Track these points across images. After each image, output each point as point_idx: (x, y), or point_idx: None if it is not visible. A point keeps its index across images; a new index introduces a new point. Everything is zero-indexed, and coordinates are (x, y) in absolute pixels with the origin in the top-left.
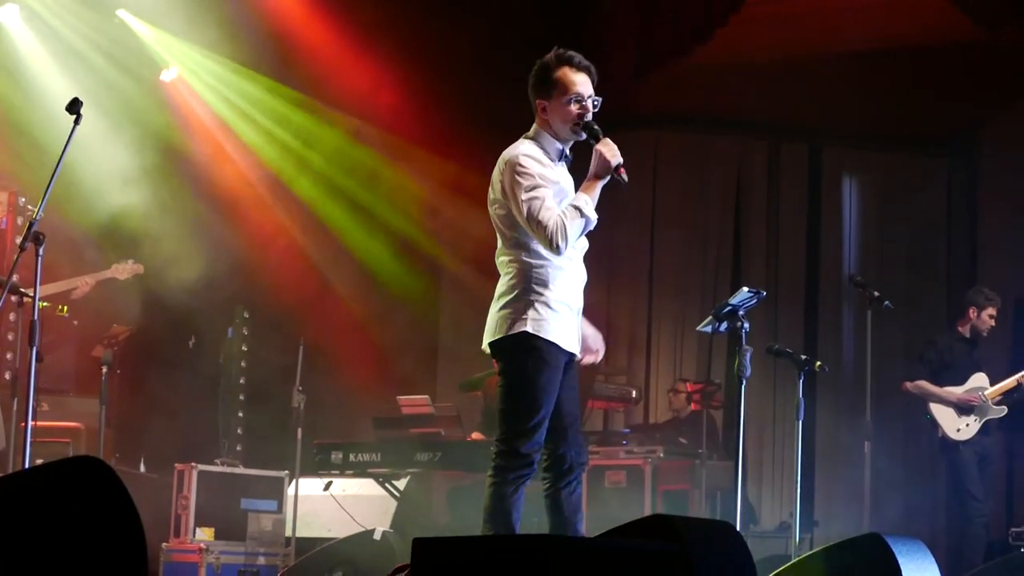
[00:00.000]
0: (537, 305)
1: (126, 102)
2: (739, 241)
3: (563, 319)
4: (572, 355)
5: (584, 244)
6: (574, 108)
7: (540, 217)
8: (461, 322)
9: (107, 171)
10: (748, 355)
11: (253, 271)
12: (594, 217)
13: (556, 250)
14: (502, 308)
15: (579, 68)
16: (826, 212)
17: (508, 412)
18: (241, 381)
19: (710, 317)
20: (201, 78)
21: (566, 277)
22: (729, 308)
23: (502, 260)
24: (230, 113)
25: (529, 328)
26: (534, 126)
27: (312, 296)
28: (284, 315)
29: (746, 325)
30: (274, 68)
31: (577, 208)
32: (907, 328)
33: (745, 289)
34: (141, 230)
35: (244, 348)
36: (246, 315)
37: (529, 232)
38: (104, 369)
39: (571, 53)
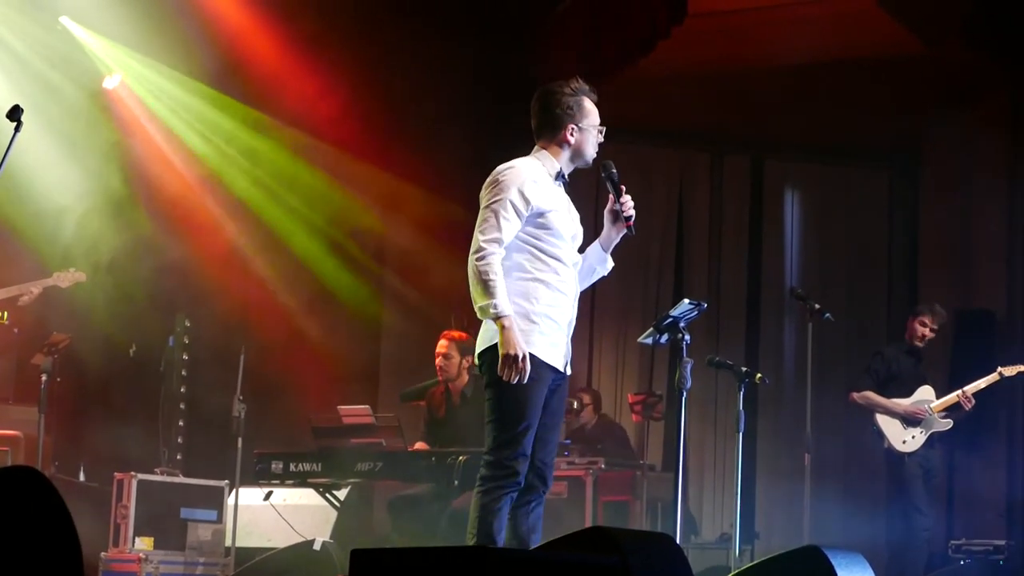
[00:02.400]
0: (518, 317)
1: (67, 109)
2: (681, 253)
3: (546, 333)
4: (558, 372)
5: (577, 259)
6: (598, 136)
7: (487, 236)
8: (403, 333)
9: (49, 178)
10: (689, 367)
11: (195, 279)
12: (483, 317)
13: (473, 257)
14: (487, 321)
15: (594, 100)
16: (768, 224)
17: (492, 424)
18: (182, 390)
19: (651, 329)
20: (144, 85)
21: (552, 292)
22: (670, 320)
23: None
24: (173, 121)
25: (498, 338)
26: (537, 147)
27: (254, 306)
28: (225, 324)
29: (687, 337)
30: (219, 78)
31: (490, 302)
32: (848, 341)
33: (686, 301)
34: (82, 237)
35: (185, 357)
36: (187, 324)
37: (477, 225)
38: (44, 377)
39: (591, 87)
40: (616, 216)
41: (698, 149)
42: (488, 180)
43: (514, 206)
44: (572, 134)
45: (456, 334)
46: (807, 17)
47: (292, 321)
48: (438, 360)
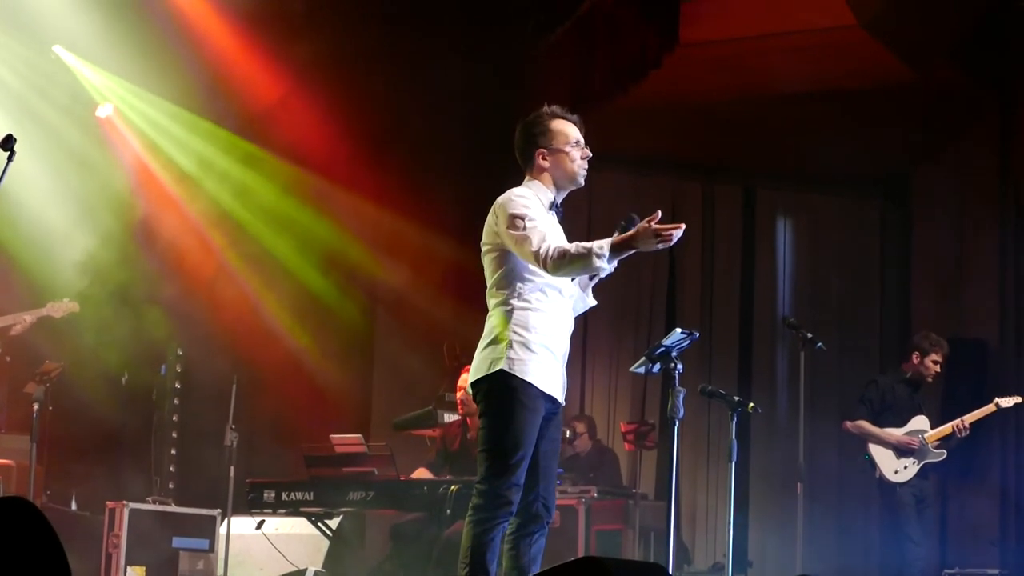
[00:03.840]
0: (516, 346)
1: (60, 138)
2: (673, 282)
3: (543, 362)
4: (554, 402)
5: (573, 290)
6: (576, 152)
7: (528, 234)
8: (396, 362)
9: (41, 207)
10: (681, 396)
11: (188, 308)
12: (604, 266)
13: (543, 264)
14: (483, 349)
15: (569, 120)
16: (760, 253)
17: (485, 453)
18: (174, 418)
19: (643, 358)
20: (138, 115)
21: (549, 321)
22: (662, 349)
23: (489, 304)
24: (167, 149)
25: (505, 367)
26: (526, 179)
27: (247, 335)
28: (218, 353)
29: (679, 366)
30: (212, 107)
31: (590, 249)
32: (840, 370)
33: (678, 330)
34: (76, 267)
35: (177, 385)
36: (180, 352)
37: (515, 250)
38: (36, 406)
39: (560, 108)
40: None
41: (689, 178)
42: (495, 208)
43: (531, 215)
44: (544, 158)
45: None
46: (798, 46)
47: (285, 351)
48: (460, 394)
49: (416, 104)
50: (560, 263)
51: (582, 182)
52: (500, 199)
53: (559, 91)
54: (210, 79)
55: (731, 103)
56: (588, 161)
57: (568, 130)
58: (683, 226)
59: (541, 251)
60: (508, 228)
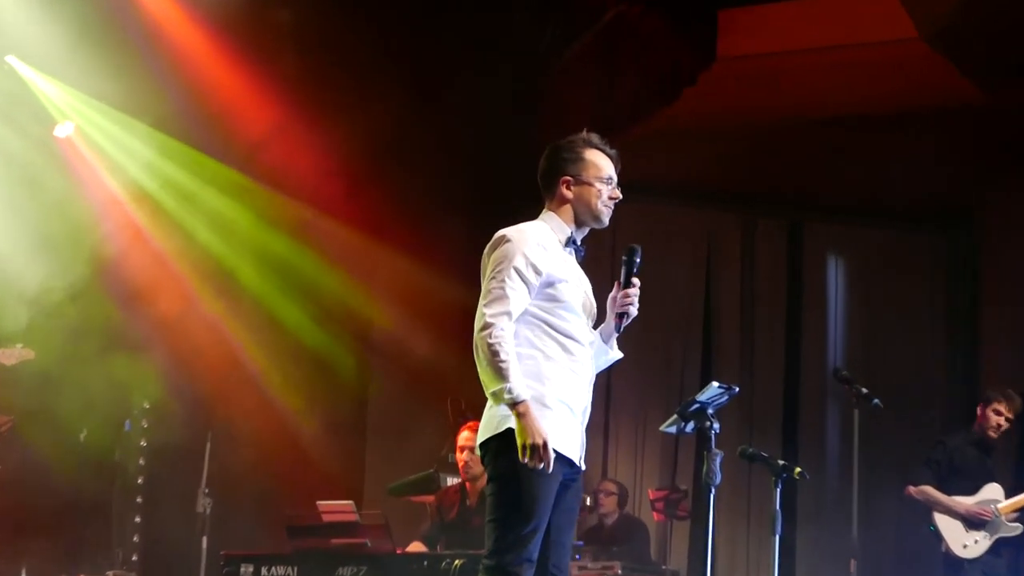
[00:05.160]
0: (529, 401)
1: (12, 159)
2: (709, 328)
3: (560, 419)
4: (573, 466)
5: (592, 337)
6: (606, 190)
7: (499, 296)
8: (393, 418)
9: None
10: (718, 460)
11: (156, 354)
12: (493, 403)
13: (477, 335)
14: (492, 406)
15: (606, 153)
16: (808, 296)
17: (494, 523)
18: (139, 481)
19: (675, 416)
20: (102, 135)
21: (566, 373)
22: (697, 406)
23: None
24: (135, 174)
25: (515, 425)
26: (544, 210)
27: (224, 385)
28: (191, 406)
29: (716, 425)
30: (189, 129)
31: (506, 379)
32: (900, 430)
33: (715, 384)
34: (30, 306)
35: (143, 443)
36: (146, 405)
37: (479, 309)
38: None
39: (600, 138)
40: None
41: (728, 210)
42: (489, 246)
43: (521, 274)
44: (568, 187)
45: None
46: (849, 62)
47: (266, 404)
48: (461, 455)
49: (419, 129)
50: (482, 353)
51: (606, 222)
52: (508, 233)
53: (579, 113)
54: (187, 97)
55: (775, 125)
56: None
57: (602, 163)
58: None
59: (488, 324)
60: (492, 271)
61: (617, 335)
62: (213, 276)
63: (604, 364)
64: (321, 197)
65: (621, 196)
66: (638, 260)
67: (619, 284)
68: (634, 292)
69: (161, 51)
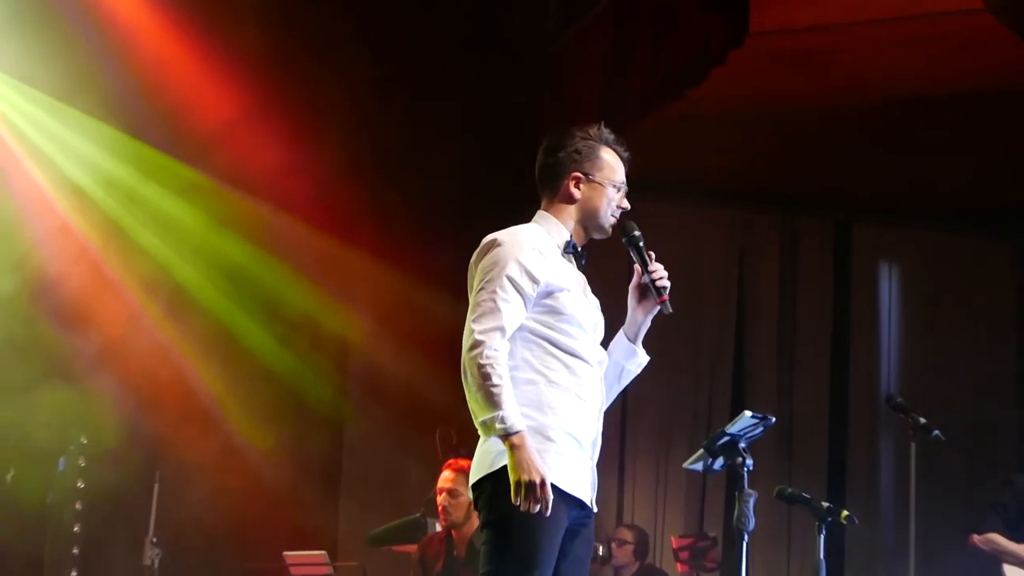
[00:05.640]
0: (528, 433)
1: None
2: (741, 348)
3: (566, 454)
4: (582, 508)
5: (601, 356)
6: (616, 197)
7: (490, 309)
8: (373, 453)
9: None
10: (752, 501)
11: (96, 381)
12: (483, 435)
13: (466, 354)
14: (486, 440)
15: (621, 156)
16: (857, 310)
17: (491, 575)
18: (75, 529)
19: (701, 451)
20: (29, 124)
21: (572, 399)
22: (727, 439)
23: None
24: (69, 170)
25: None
26: (539, 211)
27: (174, 417)
28: (136, 441)
29: (749, 462)
30: (133, 117)
31: (498, 406)
32: (964, 467)
33: (748, 413)
34: None
35: (80, 484)
36: (84, 440)
37: (467, 325)
38: None
39: (616, 137)
40: (644, 291)
41: (763, 210)
42: (477, 252)
43: (515, 284)
44: (578, 185)
45: (464, 463)
46: (903, 37)
47: (224, 438)
48: (441, 498)
49: (401, 119)
50: (471, 376)
51: (609, 233)
52: (499, 237)
53: (591, 95)
54: (131, 80)
55: (817, 111)
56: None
57: (617, 167)
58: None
59: (477, 342)
60: (480, 282)
61: (665, 314)
62: (161, 289)
63: (620, 385)
64: (291, 199)
65: (629, 207)
66: (638, 233)
67: (639, 268)
68: (659, 266)
69: (100, 27)
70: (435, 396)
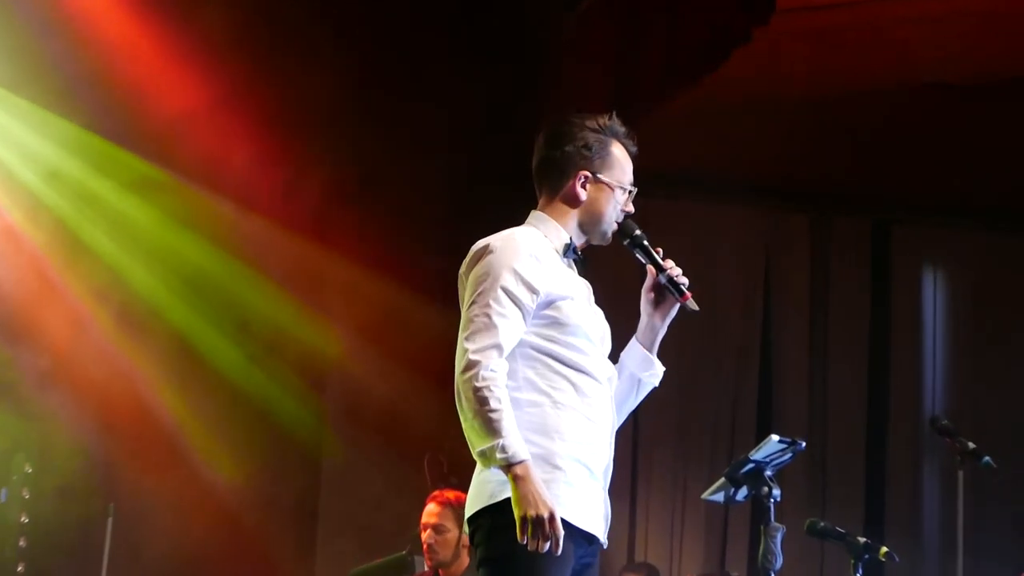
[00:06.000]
0: (535, 461)
1: None
2: (768, 360)
3: (574, 483)
4: (592, 542)
5: (611, 372)
6: (622, 200)
7: (485, 324)
8: (353, 484)
9: None
10: (779, 536)
11: (41, 404)
12: (482, 465)
13: (460, 376)
14: (483, 469)
15: (630, 154)
16: (898, 319)
17: None
18: (19, 569)
19: (722, 480)
20: None
21: (581, 422)
22: (751, 466)
23: None
24: (10, 162)
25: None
26: (536, 211)
27: (130, 443)
28: (86, 471)
29: (776, 492)
30: (83, 104)
31: (498, 433)
32: (1017, 495)
33: (775, 438)
34: None
35: (24, 519)
36: (28, 469)
37: (461, 329)
38: None
39: (627, 131)
40: (660, 292)
41: (792, 207)
42: (467, 260)
43: (511, 295)
44: (584, 185)
45: (451, 495)
46: (950, 13)
47: (186, 467)
48: (426, 534)
49: (383, 106)
50: (466, 401)
51: (609, 240)
52: (492, 243)
53: (602, 79)
54: (81, 65)
55: (852, 96)
56: (634, 194)
57: (627, 167)
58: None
59: (472, 363)
60: (472, 294)
61: (689, 311)
62: (116, 298)
63: (635, 401)
64: (257, 195)
65: (632, 210)
66: (640, 232)
67: (652, 269)
68: (671, 263)
69: (48, 8)
70: (423, 419)
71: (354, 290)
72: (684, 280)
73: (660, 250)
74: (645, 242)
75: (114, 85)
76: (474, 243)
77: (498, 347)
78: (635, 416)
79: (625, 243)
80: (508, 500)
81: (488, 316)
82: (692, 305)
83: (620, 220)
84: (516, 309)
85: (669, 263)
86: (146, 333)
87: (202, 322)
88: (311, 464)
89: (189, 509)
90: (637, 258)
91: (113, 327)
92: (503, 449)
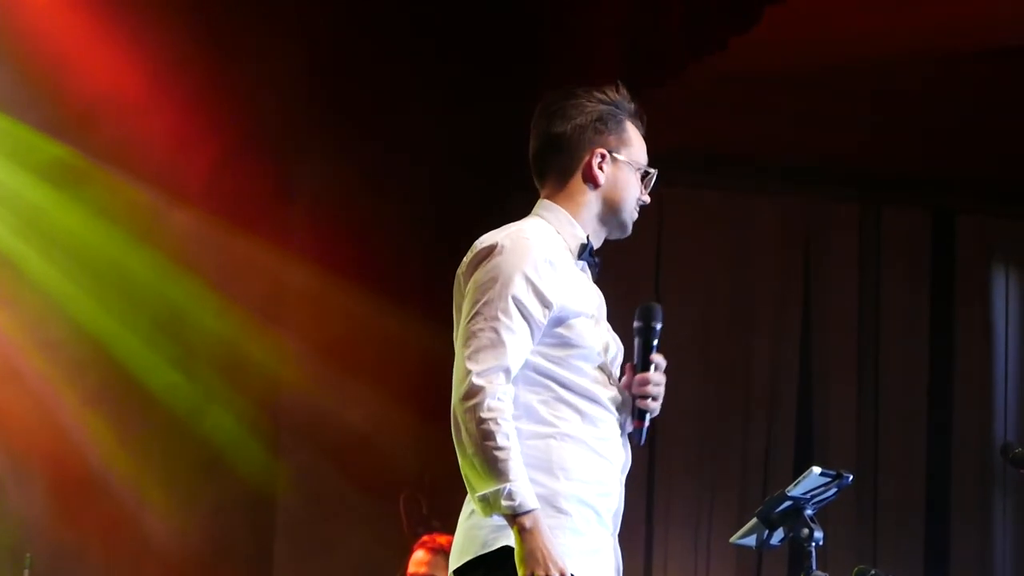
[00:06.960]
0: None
1: None
2: (808, 375)
3: (584, 532)
4: None
5: (623, 400)
6: (640, 186)
7: (491, 342)
8: (315, 529)
9: None
10: None
11: None
12: (483, 514)
13: (459, 403)
14: (472, 514)
15: (643, 136)
16: (963, 325)
17: None
18: None
19: (754, 520)
20: None
21: (590, 458)
22: (788, 504)
23: None
24: None
25: (515, 541)
26: (542, 200)
27: (51, 480)
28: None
29: (818, 534)
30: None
31: (504, 477)
32: None
33: (816, 470)
34: None
35: None
36: None
37: (457, 347)
38: None
39: (636, 107)
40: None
41: (839, 195)
42: (470, 259)
43: (521, 307)
44: (602, 166)
45: (442, 540)
46: None
47: (117, 509)
48: None
49: (351, 79)
50: (467, 434)
51: (629, 231)
52: (501, 241)
53: (612, 52)
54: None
55: (913, 65)
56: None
57: (643, 147)
58: None
59: (475, 388)
60: (476, 303)
61: (634, 441)
62: (24, 304)
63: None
64: (190, 182)
65: (648, 200)
66: (658, 325)
67: (631, 367)
68: (657, 378)
69: None
70: (398, 452)
71: (312, 296)
72: (653, 408)
73: (660, 359)
74: (652, 337)
75: (26, 60)
76: (473, 243)
77: (506, 370)
78: (651, 441)
79: (636, 324)
80: (504, 549)
81: (496, 331)
82: (639, 437)
83: (638, 212)
84: (525, 325)
85: (653, 378)
86: (63, 347)
87: (128, 332)
88: (264, 504)
89: (118, 557)
90: (634, 343)
91: (26, 341)
92: (510, 496)
